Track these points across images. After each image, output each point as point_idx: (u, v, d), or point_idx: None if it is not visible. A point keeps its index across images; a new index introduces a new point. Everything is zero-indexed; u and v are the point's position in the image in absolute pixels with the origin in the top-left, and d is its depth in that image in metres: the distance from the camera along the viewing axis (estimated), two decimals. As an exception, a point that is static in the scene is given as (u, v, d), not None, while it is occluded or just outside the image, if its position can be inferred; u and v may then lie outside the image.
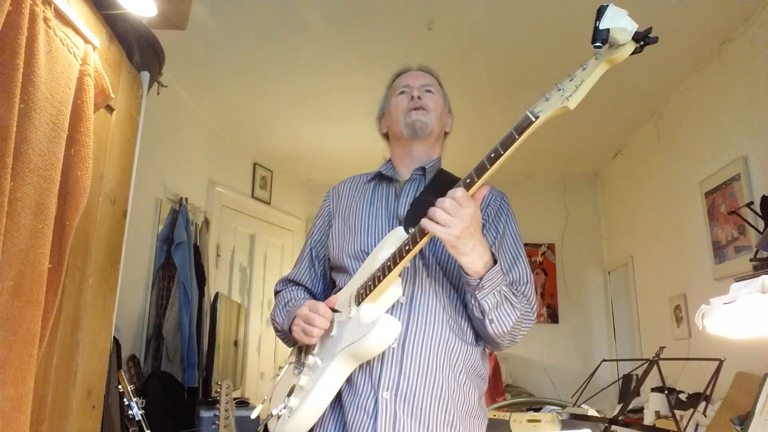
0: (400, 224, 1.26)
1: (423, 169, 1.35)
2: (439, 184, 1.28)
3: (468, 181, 1.05)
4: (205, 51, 3.02)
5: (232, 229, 4.22)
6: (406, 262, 1.13)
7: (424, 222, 1.07)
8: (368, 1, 2.59)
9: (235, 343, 3.82)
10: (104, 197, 1.57)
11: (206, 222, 3.74)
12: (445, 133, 1.46)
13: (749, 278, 1.68)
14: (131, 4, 1.61)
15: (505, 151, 0.99)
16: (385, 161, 1.45)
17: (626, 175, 4.26)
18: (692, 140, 3.17)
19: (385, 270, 1.13)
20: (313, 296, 1.44)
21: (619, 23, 0.90)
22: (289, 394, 1.22)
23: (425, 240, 1.09)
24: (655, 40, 0.90)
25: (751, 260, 2.10)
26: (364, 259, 1.26)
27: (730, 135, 2.76)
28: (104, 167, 1.56)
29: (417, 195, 1.31)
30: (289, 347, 1.41)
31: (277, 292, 1.50)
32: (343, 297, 1.25)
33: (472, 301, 1.15)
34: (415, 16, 2.69)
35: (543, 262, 4.85)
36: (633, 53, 0.91)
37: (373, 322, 1.11)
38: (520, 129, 0.97)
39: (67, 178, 1.27)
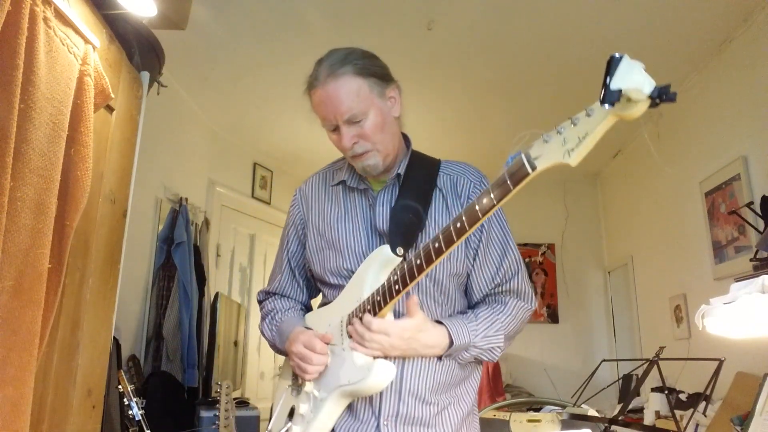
0: (380, 238, 1.22)
1: (398, 175, 1.26)
2: (413, 181, 1.24)
3: (436, 246, 0.99)
4: (205, 51, 3.02)
5: (232, 229, 4.22)
6: (396, 301, 1.10)
7: (357, 345, 1.11)
8: (368, 1, 2.59)
9: (235, 343, 3.82)
10: (104, 197, 1.57)
11: (206, 222, 3.74)
12: (396, 118, 1.27)
13: (749, 278, 1.68)
14: (131, 4, 1.61)
15: (479, 217, 0.93)
16: (347, 164, 1.30)
17: (626, 175, 4.26)
18: (692, 140, 3.17)
19: (376, 306, 1.10)
20: (302, 305, 1.42)
21: (634, 82, 0.74)
22: (290, 416, 1.23)
23: (416, 281, 1.05)
24: (674, 98, 0.76)
25: (751, 260, 2.10)
26: (347, 277, 1.23)
27: (730, 135, 2.76)
28: (104, 167, 1.56)
29: (394, 203, 1.23)
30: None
31: (260, 302, 1.45)
32: (333, 319, 1.22)
33: None
34: (415, 16, 2.69)
35: (543, 262, 4.85)
36: (649, 107, 0.77)
37: (367, 367, 1.11)
38: (516, 178, 0.87)
39: (67, 178, 1.27)
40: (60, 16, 1.23)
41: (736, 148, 2.69)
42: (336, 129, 1.20)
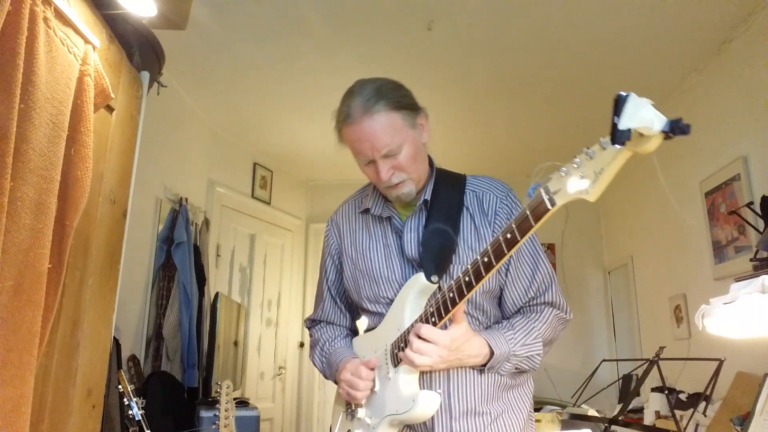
0: (413, 266, 1.25)
1: (425, 201, 1.27)
2: (441, 204, 1.26)
3: (467, 279, 1.05)
4: (205, 51, 3.02)
5: (232, 229, 4.22)
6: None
7: (409, 354, 1.11)
8: (368, 1, 2.59)
9: (235, 343, 3.82)
10: (104, 197, 1.57)
11: (206, 222, 3.74)
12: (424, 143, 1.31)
13: (749, 278, 1.69)
14: (131, 4, 1.61)
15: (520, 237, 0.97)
16: (372, 191, 1.36)
17: (626, 175, 4.23)
18: (692, 140, 3.17)
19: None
20: (347, 329, 1.47)
21: (644, 120, 0.73)
22: None
23: (450, 314, 1.09)
24: (688, 130, 0.74)
25: (751, 260, 2.10)
26: (386, 304, 1.27)
27: (730, 135, 2.76)
28: (104, 167, 1.56)
29: (423, 228, 1.25)
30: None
31: (308, 328, 1.53)
32: (378, 346, 1.26)
33: None
34: (415, 16, 2.69)
35: (543, 262, 4.84)
36: (663, 139, 0.76)
37: (412, 398, 1.14)
38: (536, 214, 0.94)
39: (67, 178, 1.27)
40: (60, 16, 1.23)
41: (736, 148, 2.69)
42: (370, 163, 1.23)
